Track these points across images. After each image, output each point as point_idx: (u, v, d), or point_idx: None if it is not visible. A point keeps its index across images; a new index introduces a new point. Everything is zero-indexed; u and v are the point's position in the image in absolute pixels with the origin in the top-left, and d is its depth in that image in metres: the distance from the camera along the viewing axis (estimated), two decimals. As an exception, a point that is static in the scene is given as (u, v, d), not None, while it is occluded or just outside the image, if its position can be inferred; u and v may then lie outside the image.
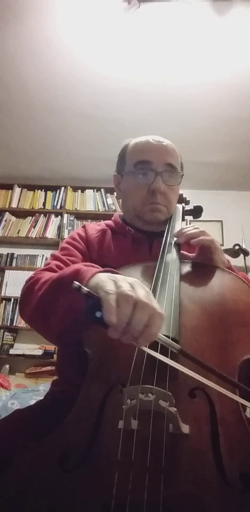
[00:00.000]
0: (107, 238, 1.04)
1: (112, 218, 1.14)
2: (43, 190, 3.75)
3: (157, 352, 0.55)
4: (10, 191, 3.75)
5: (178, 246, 0.91)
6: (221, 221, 3.61)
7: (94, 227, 1.09)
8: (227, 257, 0.95)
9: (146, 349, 0.55)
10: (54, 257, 0.95)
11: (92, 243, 1.02)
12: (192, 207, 1.15)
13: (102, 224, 1.12)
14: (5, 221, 3.64)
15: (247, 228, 3.40)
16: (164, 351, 0.56)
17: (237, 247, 2.96)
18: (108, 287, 0.55)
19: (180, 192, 1.11)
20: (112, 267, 0.86)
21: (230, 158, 3.32)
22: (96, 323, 0.54)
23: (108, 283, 0.56)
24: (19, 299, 0.85)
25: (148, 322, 0.53)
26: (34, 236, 3.55)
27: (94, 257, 0.98)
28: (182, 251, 0.92)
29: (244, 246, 3.01)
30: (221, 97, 2.67)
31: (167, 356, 0.55)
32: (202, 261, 0.88)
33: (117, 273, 0.66)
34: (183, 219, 1.05)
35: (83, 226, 1.10)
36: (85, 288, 0.55)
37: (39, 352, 3.16)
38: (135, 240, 1.03)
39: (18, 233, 3.59)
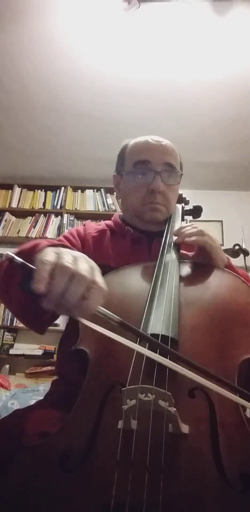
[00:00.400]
0: (106, 239, 1.05)
1: (112, 218, 1.14)
2: (43, 190, 3.75)
3: (156, 354, 0.55)
4: (10, 191, 3.75)
5: (178, 245, 0.91)
6: (221, 221, 3.61)
7: (94, 226, 1.10)
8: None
9: (145, 350, 0.55)
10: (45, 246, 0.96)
11: (88, 241, 1.03)
12: (191, 207, 1.15)
13: (102, 224, 1.12)
14: (5, 221, 3.64)
15: (247, 228, 3.40)
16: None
17: (237, 247, 2.96)
18: (46, 258, 0.53)
19: (180, 192, 1.11)
20: (111, 267, 0.86)
21: (230, 158, 3.32)
22: (31, 295, 0.52)
23: (49, 254, 0.55)
24: None
25: (86, 294, 0.52)
26: (34, 236, 3.54)
27: (89, 256, 0.98)
28: (181, 251, 0.92)
29: (244, 246, 3.01)
30: (221, 97, 2.67)
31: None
32: (201, 260, 0.88)
33: (73, 250, 0.64)
34: (183, 219, 1.06)
35: (84, 225, 1.11)
36: (18, 259, 0.54)
37: (39, 352, 3.16)
38: (134, 240, 1.03)
39: (18, 233, 3.59)
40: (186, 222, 1.08)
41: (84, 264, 0.55)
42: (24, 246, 0.73)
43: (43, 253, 0.55)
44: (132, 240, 1.03)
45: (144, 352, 0.54)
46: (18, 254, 0.70)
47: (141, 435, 0.49)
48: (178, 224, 1.01)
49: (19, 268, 0.54)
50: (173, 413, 0.49)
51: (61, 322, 2.23)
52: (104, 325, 0.54)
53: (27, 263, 0.54)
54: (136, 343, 0.56)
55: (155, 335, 0.61)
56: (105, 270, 0.85)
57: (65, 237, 1.03)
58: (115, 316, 0.55)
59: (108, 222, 1.13)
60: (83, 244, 1.02)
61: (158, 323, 0.64)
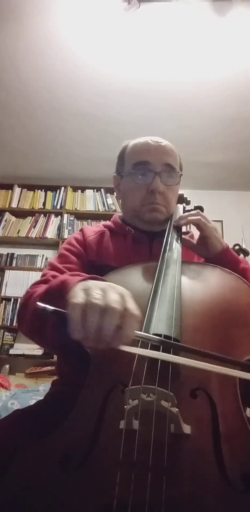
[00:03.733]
0: (105, 240, 1.05)
1: (112, 219, 1.14)
2: (43, 190, 3.76)
3: (166, 354, 0.55)
4: (10, 191, 3.75)
5: (178, 232, 0.99)
6: (221, 221, 3.61)
7: (92, 229, 1.10)
8: None
9: (147, 352, 0.55)
10: (51, 266, 0.96)
11: (90, 244, 1.02)
12: (192, 207, 1.15)
13: (100, 225, 1.12)
14: (5, 221, 3.64)
15: (247, 228, 3.40)
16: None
17: (237, 247, 2.95)
18: (76, 300, 0.54)
19: (180, 192, 1.11)
20: (112, 267, 0.87)
21: (230, 158, 3.32)
22: (67, 336, 0.54)
23: (78, 294, 0.56)
24: (16, 314, 0.87)
25: (121, 324, 0.53)
26: (34, 236, 3.55)
27: (93, 258, 0.99)
28: (184, 237, 1.00)
29: (244, 246, 2.99)
30: (221, 97, 2.67)
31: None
32: (202, 246, 0.96)
33: (101, 279, 0.66)
34: (179, 229, 1.05)
35: (81, 230, 1.10)
36: (50, 307, 0.56)
37: (39, 352, 3.16)
38: (135, 240, 1.03)
39: (18, 233, 3.59)
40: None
41: (113, 295, 0.55)
42: (52, 285, 0.73)
43: (72, 294, 0.57)
44: (132, 240, 1.03)
45: (145, 353, 0.54)
46: (46, 294, 0.72)
47: (143, 435, 0.49)
48: (175, 234, 1.01)
49: (51, 315, 0.57)
50: (175, 414, 0.49)
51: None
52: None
53: (60, 310, 0.56)
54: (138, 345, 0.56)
55: (157, 335, 0.61)
56: (106, 270, 0.85)
57: (67, 249, 1.01)
58: (154, 337, 0.57)
59: (107, 223, 1.13)
60: (86, 248, 1.02)
61: (160, 323, 0.64)
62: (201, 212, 0.98)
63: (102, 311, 0.52)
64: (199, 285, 0.81)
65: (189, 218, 0.97)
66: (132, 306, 0.56)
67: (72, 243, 1.04)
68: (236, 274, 0.81)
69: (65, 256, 0.99)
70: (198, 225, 0.95)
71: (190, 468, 0.48)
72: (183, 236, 1.00)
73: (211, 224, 0.97)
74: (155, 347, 0.57)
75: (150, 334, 0.61)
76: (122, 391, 0.56)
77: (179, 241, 0.95)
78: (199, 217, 0.96)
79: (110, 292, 0.56)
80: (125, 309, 0.54)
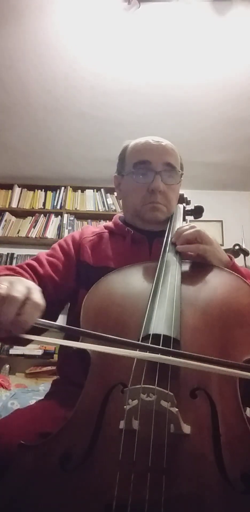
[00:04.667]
0: (104, 241, 1.05)
1: (112, 220, 1.14)
2: (43, 190, 3.75)
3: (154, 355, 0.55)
4: (10, 191, 3.75)
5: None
6: (221, 221, 3.61)
7: (91, 230, 1.11)
8: None
9: (146, 355, 0.55)
10: (36, 257, 1.01)
11: (85, 246, 1.03)
12: (192, 207, 1.15)
13: (101, 226, 1.13)
14: (5, 221, 3.63)
15: (247, 228, 3.40)
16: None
17: (237, 247, 2.96)
18: None
19: (181, 192, 1.11)
20: (111, 269, 0.87)
21: (230, 158, 3.32)
22: None
23: None
24: None
25: (19, 311, 0.57)
26: (34, 236, 3.55)
27: (88, 260, 1.00)
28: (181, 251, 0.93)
29: (244, 246, 3.00)
30: (221, 97, 2.67)
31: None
32: (201, 260, 0.88)
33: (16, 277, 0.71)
34: (184, 219, 1.06)
35: (81, 229, 1.12)
36: None
37: (39, 352, 3.16)
38: (134, 241, 1.03)
39: (18, 233, 3.59)
40: (187, 222, 1.09)
41: (19, 287, 0.60)
42: None
43: None
44: (132, 240, 1.03)
45: (144, 357, 0.55)
46: None
47: (143, 435, 0.49)
48: (179, 224, 1.02)
49: None
50: (175, 414, 0.49)
51: (61, 322, 2.22)
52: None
53: None
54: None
55: (157, 335, 0.61)
56: (105, 271, 0.85)
57: (59, 245, 1.05)
58: (55, 323, 0.62)
59: (108, 224, 1.14)
60: (79, 249, 1.03)
61: (160, 323, 0.64)
62: (200, 231, 0.89)
63: (2, 299, 0.57)
64: (199, 285, 0.81)
65: (187, 248, 0.88)
66: (36, 296, 0.61)
67: (67, 240, 1.06)
68: (235, 274, 0.81)
69: (55, 250, 1.03)
70: (199, 255, 0.88)
71: (189, 468, 0.48)
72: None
73: (213, 246, 0.89)
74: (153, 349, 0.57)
75: (150, 334, 0.61)
76: (122, 391, 0.56)
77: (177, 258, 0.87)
78: (197, 245, 0.87)
79: (17, 284, 0.61)
80: (26, 298, 0.59)
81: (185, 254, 0.90)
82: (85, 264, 0.99)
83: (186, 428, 0.50)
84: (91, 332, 0.60)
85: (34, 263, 0.97)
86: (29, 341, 0.64)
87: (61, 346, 0.97)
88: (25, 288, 0.61)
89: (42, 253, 1.02)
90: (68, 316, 1.01)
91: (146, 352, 0.56)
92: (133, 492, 0.43)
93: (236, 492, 0.45)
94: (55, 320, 0.93)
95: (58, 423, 0.58)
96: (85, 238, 1.05)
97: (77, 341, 0.62)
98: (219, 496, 0.45)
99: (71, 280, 0.98)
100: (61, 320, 0.87)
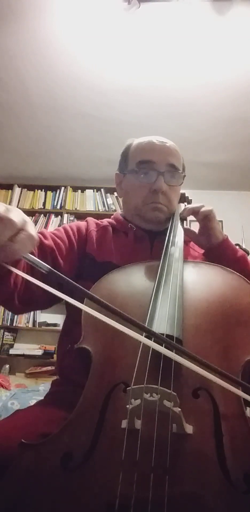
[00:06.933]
0: (108, 236, 1.05)
1: (113, 216, 1.14)
2: (43, 190, 3.75)
3: (162, 347, 0.55)
4: (10, 191, 3.75)
5: (182, 222, 1.03)
6: (221, 221, 3.60)
7: (96, 222, 1.10)
8: None
9: (151, 342, 0.54)
10: (40, 231, 0.97)
11: (91, 238, 1.03)
12: (193, 207, 1.15)
13: (104, 221, 1.12)
14: (5, 221, 3.63)
15: (247, 228, 3.40)
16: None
17: (237, 247, 2.96)
18: None
19: (182, 191, 1.11)
20: (113, 264, 0.87)
21: (230, 158, 3.32)
22: None
23: None
24: None
25: (12, 238, 0.55)
26: (34, 236, 3.54)
27: (93, 253, 0.99)
28: (185, 227, 1.02)
29: (244, 246, 3.00)
30: (221, 97, 2.67)
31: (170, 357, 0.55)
32: (204, 236, 0.99)
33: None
34: (185, 219, 1.06)
35: (86, 221, 1.10)
36: None
37: (39, 352, 3.16)
38: (136, 238, 1.03)
39: (18, 233, 3.59)
40: (187, 222, 1.09)
41: (17, 215, 0.57)
42: None
43: None
44: (134, 237, 1.03)
45: (149, 343, 0.54)
46: None
47: (146, 435, 0.48)
48: (180, 223, 1.02)
49: None
50: (178, 414, 0.49)
51: (61, 322, 2.23)
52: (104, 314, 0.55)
53: None
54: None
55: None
56: (108, 267, 0.85)
57: (64, 229, 1.02)
58: (44, 264, 0.58)
59: (110, 219, 1.13)
60: (86, 241, 1.02)
61: (162, 322, 0.64)
62: (213, 210, 1.02)
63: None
64: (201, 284, 0.81)
65: (202, 210, 0.98)
66: (31, 229, 0.58)
67: (73, 228, 1.04)
68: (238, 273, 0.81)
69: (60, 232, 1.00)
70: (209, 216, 0.98)
71: (192, 468, 0.47)
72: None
73: (215, 214, 1.02)
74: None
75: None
76: (124, 391, 0.56)
77: (181, 237, 0.96)
78: (211, 208, 0.99)
79: (15, 211, 0.57)
80: (22, 227, 0.56)
81: (186, 254, 0.90)
82: (91, 257, 0.98)
83: (188, 428, 0.50)
84: (94, 295, 0.55)
85: (39, 234, 0.92)
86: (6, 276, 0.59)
87: (59, 345, 0.97)
88: (22, 218, 0.58)
89: (47, 230, 1.00)
90: (66, 306, 1.00)
91: (151, 339, 0.55)
92: (136, 491, 0.43)
93: (238, 492, 0.45)
94: (48, 306, 0.94)
95: (59, 423, 0.57)
96: (91, 231, 1.05)
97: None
98: (222, 496, 0.45)
99: (71, 266, 0.96)
100: (61, 320, 0.86)
